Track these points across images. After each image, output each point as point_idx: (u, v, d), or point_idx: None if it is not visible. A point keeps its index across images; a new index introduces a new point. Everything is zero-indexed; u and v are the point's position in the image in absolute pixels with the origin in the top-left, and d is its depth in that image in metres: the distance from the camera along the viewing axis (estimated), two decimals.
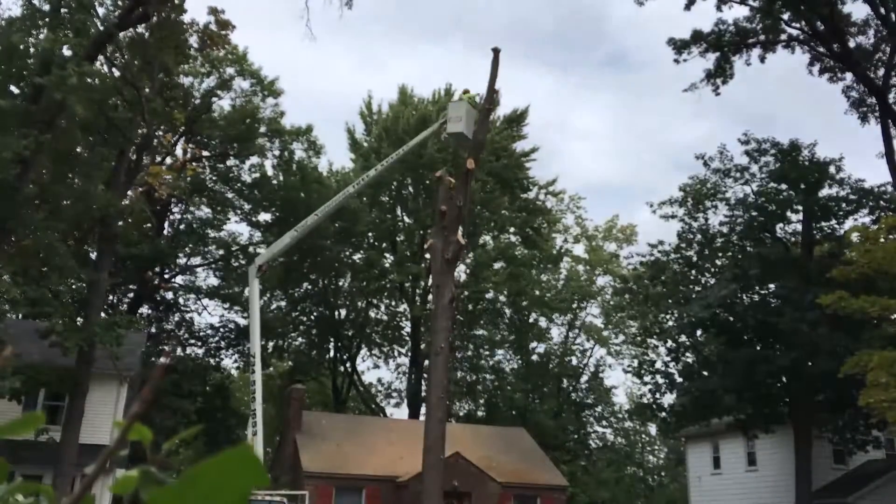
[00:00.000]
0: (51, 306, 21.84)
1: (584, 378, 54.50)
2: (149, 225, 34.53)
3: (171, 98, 28.65)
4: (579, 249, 55.13)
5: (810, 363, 28.16)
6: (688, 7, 32.53)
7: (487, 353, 51.65)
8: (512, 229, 48.55)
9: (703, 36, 32.78)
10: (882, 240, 22.76)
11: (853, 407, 23.69)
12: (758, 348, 31.23)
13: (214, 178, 39.44)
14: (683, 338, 35.38)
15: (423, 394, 37.79)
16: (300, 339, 47.69)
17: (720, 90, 33.74)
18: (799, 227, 31.97)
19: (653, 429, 54.47)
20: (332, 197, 40.49)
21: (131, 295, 39.12)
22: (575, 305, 53.69)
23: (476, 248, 46.41)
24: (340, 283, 47.10)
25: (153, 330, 39.86)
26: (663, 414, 36.35)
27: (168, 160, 33.53)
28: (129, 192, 25.54)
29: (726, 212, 33.08)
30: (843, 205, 30.73)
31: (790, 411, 30.38)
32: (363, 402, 52.42)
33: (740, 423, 31.34)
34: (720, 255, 33.98)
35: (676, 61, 33.18)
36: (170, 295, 40.98)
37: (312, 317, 47.40)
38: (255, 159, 38.98)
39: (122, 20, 22.82)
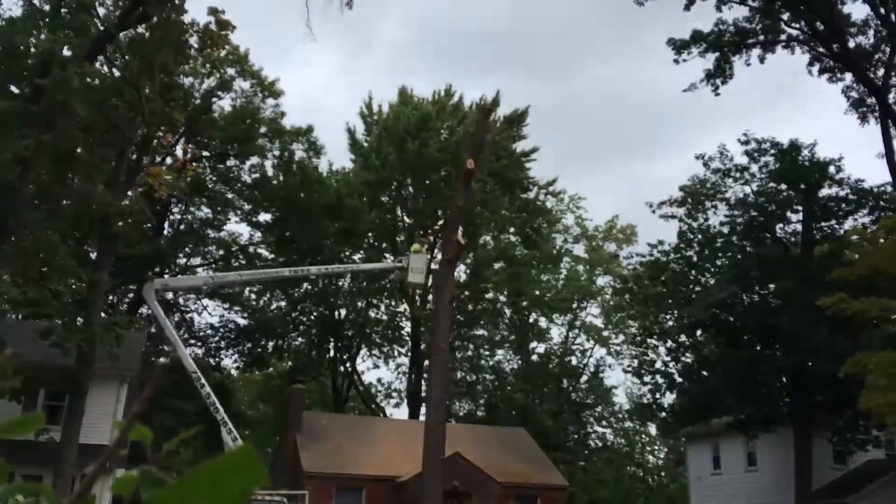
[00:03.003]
0: (51, 307, 21.83)
1: (584, 378, 54.53)
2: (149, 225, 34.50)
3: (171, 98, 28.64)
4: (579, 249, 55.20)
5: (810, 363, 28.16)
6: (687, 7, 32.54)
7: (487, 353, 51.66)
8: (512, 229, 48.53)
9: (702, 36, 32.76)
10: (882, 241, 22.76)
11: (853, 407, 23.70)
12: (758, 348, 31.25)
13: (214, 178, 39.43)
14: (683, 338, 35.40)
15: (423, 394, 37.80)
16: (300, 339, 47.67)
17: (720, 90, 33.77)
18: (799, 227, 31.98)
19: (653, 429, 54.50)
20: (331, 197, 40.67)
21: (131, 295, 39.11)
22: (575, 305, 53.70)
23: (476, 248, 46.40)
24: (340, 283, 47.08)
25: (153, 330, 39.82)
26: (663, 414, 36.37)
27: (168, 160, 33.54)
28: (129, 192, 25.52)
29: (726, 212, 33.11)
30: (843, 205, 30.74)
31: (790, 411, 30.38)
32: (363, 402, 52.42)
33: (740, 423, 31.34)
34: (720, 255, 33.99)
35: (676, 61, 33.20)
36: (170, 295, 40.95)
37: (312, 317, 47.39)
38: (255, 159, 38.99)
39: (123, 20, 22.82)
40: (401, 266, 28.39)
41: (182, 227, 41.34)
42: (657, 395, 35.65)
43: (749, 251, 32.27)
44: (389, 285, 46.69)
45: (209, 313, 63.41)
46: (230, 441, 24.44)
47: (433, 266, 26.78)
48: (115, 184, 24.26)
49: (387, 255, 47.74)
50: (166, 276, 35.91)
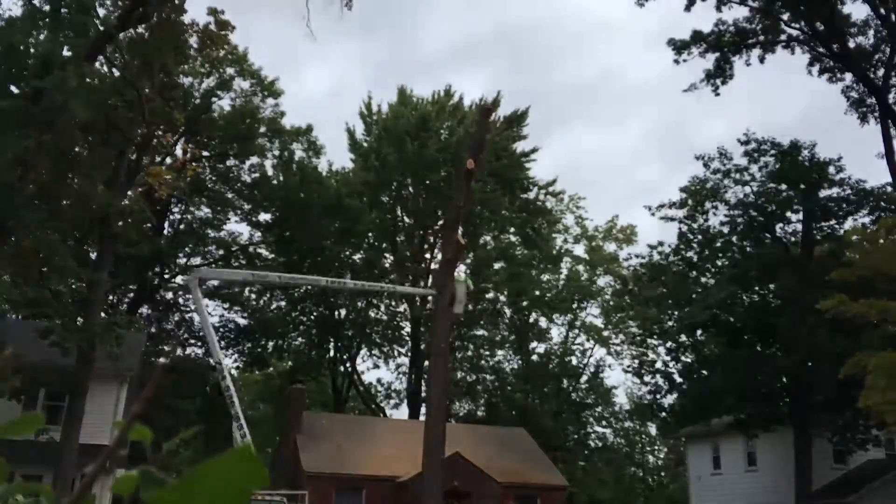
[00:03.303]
0: (51, 307, 21.83)
1: (584, 378, 54.51)
2: (149, 225, 34.50)
3: (170, 98, 28.64)
4: (579, 250, 55.19)
5: (810, 364, 28.16)
6: (688, 8, 32.56)
7: (487, 353, 51.63)
8: (512, 229, 48.53)
9: (702, 36, 32.79)
10: (882, 241, 22.75)
11: (853, 407, 23.71)
12: (758, 349, 31.25)
13: (214, 178, 39.42)
14: (683, 338, 35.40)
15: (423, 394, 37.81)
16: (300, 339, 47.67)
17: (720, 90, 33.79)
18: (799, 227, 31.98)
19: (653, 429, 54.49)
20: (331, 197, 40.67)
21: (131, 295, 39.11)
22: (575, 305, 53.67)
23: (476, 248, 46.40)
24: None
25: (153, 330, 39.86)
26: (663, 414, 36.37)
27: (168, 160, 33.52)
28: (129, 192, 25.53)
29: (726, 212, 33.11)
30: (843, 205, 30.74)
31: (790, 411, 30.38)
32: (363, 402, 52.41)
33: (740, 423, 31.35)
34: (720, 255, 33.99)
35: (676, 62, 33.22)
36: (170, 295, 41.01)
37: (312, 317, 47.39)
38: (255, 159, 38.99)
39: (122, 20, 22.81)
40: (435, 294, 28.04)
41: (182, 226, 41.33)
42: (657, 396, 35.67)
43: (749, 251, 32.27)
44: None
45: (209, 313, 63.40)
46: (239, 437, 24.37)
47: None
48: (115, 184, 24.25)
49: (386, 255, 47.74)
50: (208, 268, 35.80)
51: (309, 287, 46.27)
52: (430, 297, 30.21)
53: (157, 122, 26.02)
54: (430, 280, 43.61)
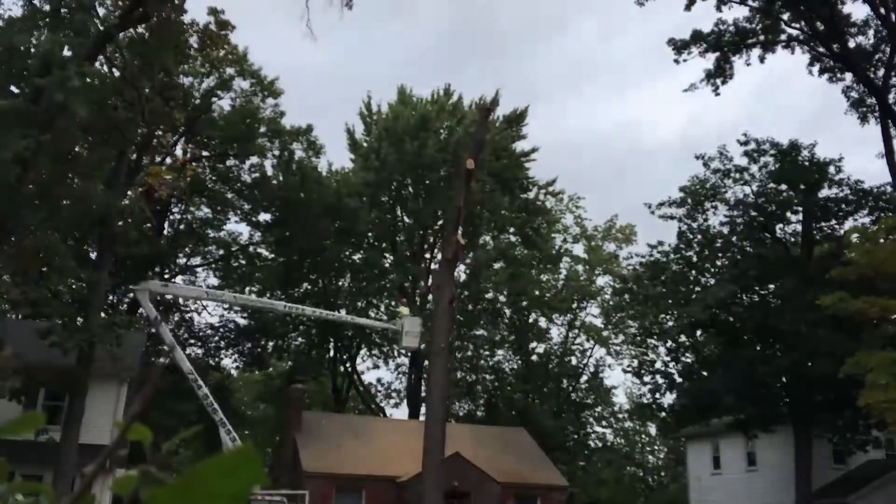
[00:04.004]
0: (51, 307, 21.83)
1: (584, 378, 54.51)
2: (149, 225, 34.47)
3: (170, 98, 28.62)
4: (579, 249, 55.18)
5: (810, 363, 28.18)
6: (688, 7, 32.56)
7: (487, 353, 51.63)
8: (512, 229, 48.53)
9: (702, 36, 32.80)
10: (882, 241, 22.78)
11: (853, 407, 23.71)
12: (758, 348, 31.26)
13: (214, 178, 39.40)
14: (683, 338, 35.41)
15: (423, 394, 37.80)
16: (300, 339, 47.66)
17: (720, 90, 33.81)
18: (799, 227, 31.99)
19: (653, 429, 54.48)
20: (331, 197, 40.65)
21: (131, 295, 39.07)
22: (575, 305, 53.66)
23: (476, 248, 46.39)
24: (340, 283, 47.05)
25: (153, 330, 39.80)
26: (663, 414, 36.39)
27: (168, 160, 33.50)
28: (129, 192, 25.52)
29: (726, 212, 33.12)
30: (843, 205, 30.76)
31: (790, 411, 30.39)
32: (363, 402, 52.41)
33: (740, 423, 31.35)
34: (720, 255, 33.99)
35: (676, 61, 33.22)
36: (169, 295, 40.96)
37: (312, 317, 47.36)
38: (254, 159, 38.96)
39: (122, 20, 22.82)
40: (395, 328, 28.80)
41: (182, 227, 41.31)
42: (657, 395, 35.69)
43: (749, 251, 32.29)
44: (389, 285, 46.75)
45: (209, 313, 63.30)
46: (229, 442, 24.44)
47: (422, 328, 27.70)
48: (115, 184, 24.26)
49: (386, 255, 47.68)
50: (160, 281, 35.69)
51: (309, 287, 46.32)
52: (394, 325, 30.48)
53: (157, 122, 26.04)
54: (429, 280, 43.60)
